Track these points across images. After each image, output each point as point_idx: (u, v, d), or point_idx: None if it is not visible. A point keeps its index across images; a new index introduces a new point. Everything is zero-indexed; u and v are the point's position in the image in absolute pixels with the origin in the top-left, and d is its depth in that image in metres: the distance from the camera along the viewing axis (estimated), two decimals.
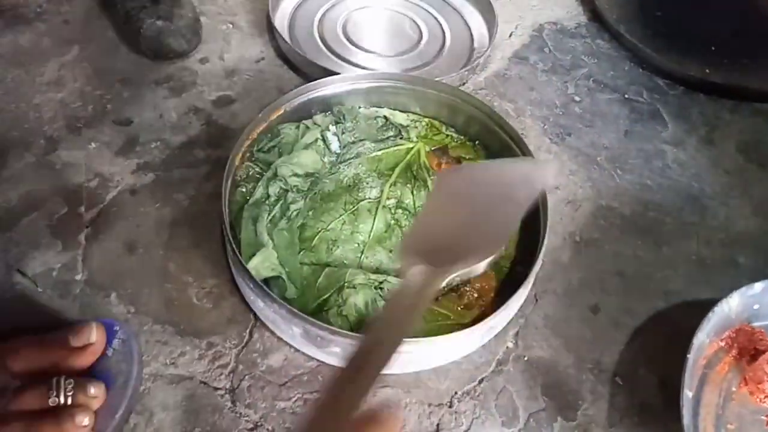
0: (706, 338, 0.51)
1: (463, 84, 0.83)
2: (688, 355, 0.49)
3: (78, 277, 0.61)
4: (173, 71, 0.80)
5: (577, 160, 0.77)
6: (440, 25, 0.91)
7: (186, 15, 0.76)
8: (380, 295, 0.55)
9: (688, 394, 0.48)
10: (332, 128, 0.69)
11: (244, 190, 0.63)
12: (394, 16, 0.91)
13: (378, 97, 0.73)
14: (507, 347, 0.59)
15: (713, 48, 0.91)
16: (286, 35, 0.85)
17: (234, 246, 0.54)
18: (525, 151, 0.65)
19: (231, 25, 0.88)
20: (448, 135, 0.72)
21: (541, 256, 0.56)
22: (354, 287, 0.54)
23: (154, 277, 0.62)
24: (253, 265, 0.55)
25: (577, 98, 0.84)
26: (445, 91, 0.70)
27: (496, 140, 0.69)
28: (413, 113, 0.74)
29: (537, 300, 0.63)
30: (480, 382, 0.57)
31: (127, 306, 0.59)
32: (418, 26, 0.90)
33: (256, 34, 0.87)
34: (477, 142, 0.71)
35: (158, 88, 0.78)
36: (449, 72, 0.80)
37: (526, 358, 0.58)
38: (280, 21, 0.87)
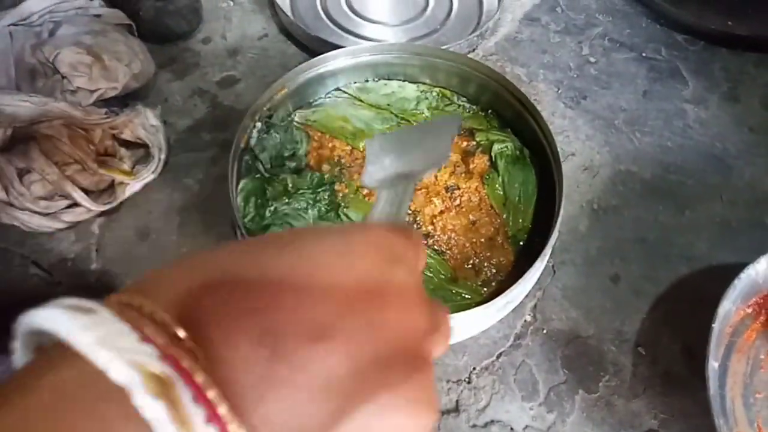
0: (732, 306, 0.50)
1: (473, 50, 0.80)
2: (713, 324, 0.47)
3: (93, 266, 0.61)
4: (176, 53, 0.79)
5: (593, 124, 0.74)
6: None
7: None
8: None
9: (713, 364, 0.46)
10: None
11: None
12: None
13: (386, 69, 0.70)
14: (525, 320, 0.58)
15: None
16: (288, 10, 0.82)
17: (243, 231, 0.54)
18: (538, 118, 0.63)
19: (231, 2, 0.85)
20: (460, 105, 0.70)
21: (557, 226, 0.55)
22: None
23: (166, 263, 0.61)
24: None
25: (592, 59, 0.81)
26: (454, 60, 0.68)
27: (508, 108, 0.66)
28: (423, 83, 0.71)
29: (555, 271, 0.61)
30: (498, 356, 0.56)
31: None
32: None
33: (257, 10, 0.85)
34: (489, 112, 0.69)
35: (161, 72, 0.76)
36: (458, 39, 0.78)
37: (545, 331, 0.57)
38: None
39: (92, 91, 0.63)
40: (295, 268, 0.18)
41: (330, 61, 0.68)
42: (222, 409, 0.15)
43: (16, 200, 0.58)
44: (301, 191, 0.59)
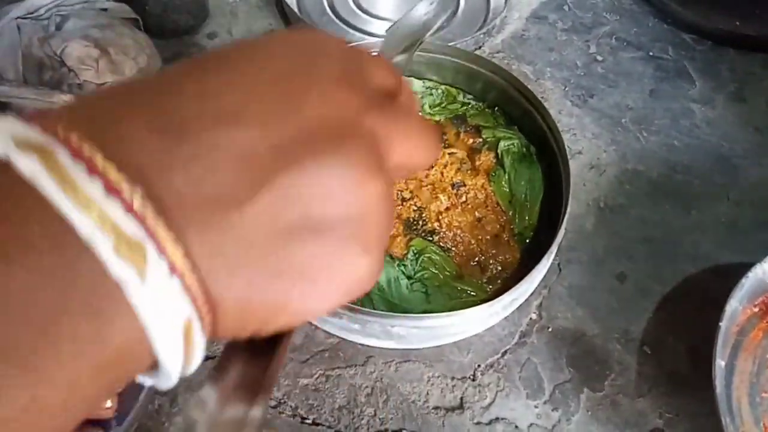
0: (738, 305, 0.49)
1: (479, 48, 0.80)
2: (720, 323, 0.47)
3: None
4: (181, 48, 0.79)
5: (600, 122, 0.74)
6: None
7: None
8: (403, 273, 0.54)
9: (720, 363, 0.46)
10: None
11: None
12: None
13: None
14: (531, 318, 0.58)
15: None
16: (294, 5, 0.82)
17: None
18: (545, 116, 0.63)
19: None
20: (465, 103, 0.70)
21: (564, 224, 0.55)
22: None
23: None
24: None
25: (599, 57, 0.81)
26: (460, 57, 0.68)
27: (515, 105, 0.66)
28: (429, 80, 0.71)
29: (561, 270, 0.61)
30: (503, 354, 0.56)
31: None
32: None
33: (263, 5, 0.85)
34: (496, 109, 0.69)
35: (167, 66, 0.76)
36: (464, 36, 0.77)
37: (550, 329, 0.57)
38: None
39: (99, 85, 0.63)
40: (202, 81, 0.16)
41: None
42: (117, 178, 0.13)
43: None
44: None
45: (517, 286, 0.51)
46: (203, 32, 0.81)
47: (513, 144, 0.63)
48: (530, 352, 0.56)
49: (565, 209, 0.54)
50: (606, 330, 0.57)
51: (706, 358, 0.50)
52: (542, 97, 0.75)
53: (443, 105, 0.70)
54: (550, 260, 0.56)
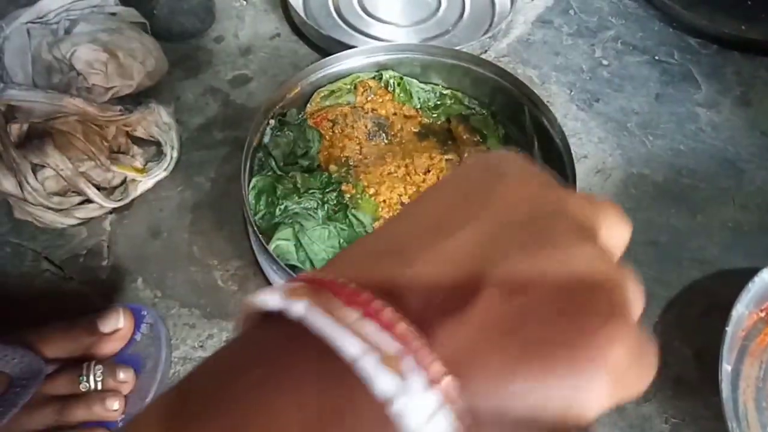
0: (745, 309, 0.49)
1: (485, 52, 0.80)
2: (726, 328, 0.47)
3: (104, 263, 0.62)
4: (188, 51, 0.79)
5: (606, 126, 0.74)
6: None
7: None
8: None
9: (726, 368, 0.46)
10: None
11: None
12: None
13: (399, 69, 0.70)
14: None
15: (749, 2, 0.86)
16: (300, 10, 0.82)
17: (256, 228, 0.54)
18: (551, 120, 0.63)
19: (245, 2, 0.86)
20: (470, 107, 0.70)
21: None
22: None
23: (179, 260, 0.62)
24: (275, 247, 0.54)
25: (604, 62, 0.81)
26: (465, 60, 0.68)
27: (521, 110, 0.66)
28: (432, 83, 0.71)
29: None
30: None
31: (154, 290, 0.60)
32: None
33: (270, 9, 0.85)
34: (498, 117, 0.68)
35: (174, 69, 0.76)
36: (470, 40, 0.78)
37: None
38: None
39: (108, 89, 0.63)
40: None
41: (343, 61, 0.68)
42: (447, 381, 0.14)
43: (30, 195, 0.59)
44: (311, 190, 0.59)
45: None
46: (210, 36, 0.81)
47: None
48: None
49: None
50: None
51: (712, 362, 0.50)
52: (548, 101, 0.76)
53: (447, 105, 0.70)
54: None
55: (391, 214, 0.59)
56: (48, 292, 0.60)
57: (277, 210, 0.58)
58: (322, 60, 0.66)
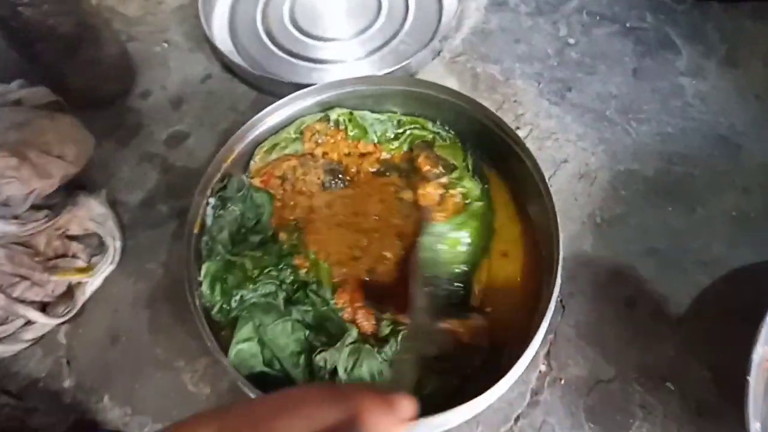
0: (765, 346, 0.44)
1: (437, 55, 0.72)
2: (748, 377, 0.41)
3: (66, 383, 0.56)
4: (115, 116, 0.71)
5: (583, 119, 0.67)
6: None
7: (109, 53, 0.66)
8: (384, 360, 0.49)
9: (756, 426, 0.41)
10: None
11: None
12: None
13: (352, 102, 0.63)
14: (540, 372, 0.53)
15: None
16: (227, 43, 0.74)
17: (214, 342, 0.48)
18: (515, 140, 0.56)
19: (166, 44, 0.77)
20: (435, 132, 0.62)
21: (558, 274, 0.49)
22: (357, 357, 0.48)
23: (144, 367, 0.56)
24: (237, 352, 0.49)
25: (571, 40, 0.73)
26: (415, 85, 0.61)
27: (486, 131, 0.59)
28: (390, 112, 0.63)
29: (564, 307, 0.56)
30: (516, 420, 0.51)
31: (123, 407, 0.55)
32: None
33: (195, 47, 0.77)
34: (465, 143, 0.61)
35: (105, 142, 0.69)
36: (420, 42, 0.70)
37: (562, 381, 0.52)
38: (219, 26, 0.76)
39: (27, 195, 0.56)
40: None
41: (281, 109, 0.61)
42: None
43: None
44: (267, 270, 0.53)
45: (525, 352, 0.45)
46: (135, 92, 0.73)
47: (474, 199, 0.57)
48: (545, 411, 0.51)
49: (558, 260, 0.48)
50: (622, 369, 0.52)
51: (732, 379, 0.45)
52: (515, 101, 0.68)
53: (408, 133, 0.62)
54: (551, 310, 0.51)
55: (345, 273, 0.54)
56: (11, 428, 0.55)
57: (233, 301, 0.52)
58: (257, 115, 0.59)
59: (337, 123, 0.62)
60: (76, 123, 0.64)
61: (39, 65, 0.65)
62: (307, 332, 0.51)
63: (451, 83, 0.70)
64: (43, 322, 0.56)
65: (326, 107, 0.62)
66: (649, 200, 0.61)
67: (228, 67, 0.73)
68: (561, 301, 0.56)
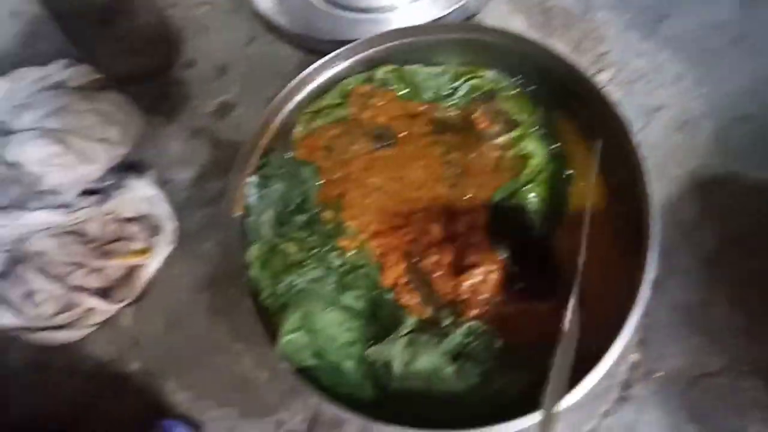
0: None
1: None
2: None
3: (133, 367, 0.56)
4: (161, 90, 0.68)
5: (681, 56, 0.55)
6: None
7: (139, 26, 0.62)
8: (446, 353, 0.44)
9: None
10: None
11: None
12: None
13: (400, 57, 0.55)
14: (631, 362, 0.46)
15: None
16: (272, 4, 0.68)
17: (258, 323, 0.45)
18: (602, 95, 0.46)
19: (209, 6, 0.72)
20: (496, 82, 0.54)
21: (653, 248, 0.40)
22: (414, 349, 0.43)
23: (205, 352, 0.55)
24: (286, 343, 0.45)
25: None
26: (473, 31, 0.52)
27: (559, 81, 0.50)
28: (445, 65, 0.56)
29: (661, 284, 0.47)
30: (603, 416, 0.45)
31: (186, 392, 0.54)
32: None
33: (238, 7, 0.71)
34: (536, 94, 0.52)
35: (152, 117, 0.66)
36: None
37: (658, 373, 0.45)
38: None
39: (74, 181, 0.55)
40: None
41: (323, 72, 0.54)
42: None
43: (32, 323, 0.54)
44: (313, 253, 0.49)
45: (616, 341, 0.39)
46: (180, 63, 0.70)
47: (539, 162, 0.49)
48: (637, 409, 0.44)
49: (649, 234, 0.40)
50: (733, 361, 0.44)
51: None
52: (595, 37, 0.58)
53: (467, 86, 0.54)
54: (646, 291, 0.43)
55: (385, 244, 0.49)
56: (81, 410, 0.56)
57: (282, 286, 0.49)
58: (292, 82, 0.53)
59: (384, 82, 0.55)
60: (120, 101, 0.61)
61: (76, 42, 0.63)
62: (361, 321, 0.47)
63: (518, 22, 0.60)
64: (104, 309, 0.55)
65: (372, 65, 0.55)
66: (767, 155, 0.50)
67: (271, 27, 0.68)
68: (657, 278, 0.47)
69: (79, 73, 0.61)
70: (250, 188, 0.52)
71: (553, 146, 0.51)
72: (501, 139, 0.51)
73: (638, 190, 0.43)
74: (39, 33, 0.71)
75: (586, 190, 0.47)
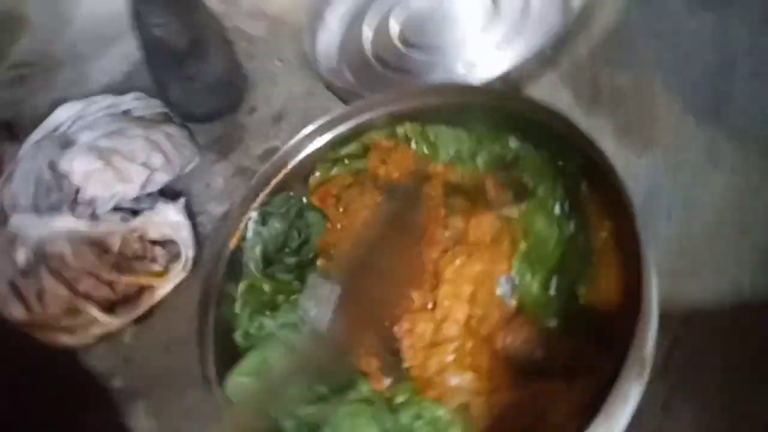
0: None
1: (551, 59, 0.59)
2: None
3: (115, 384, 0.57)
4: (221, 130, 0.73)
5: (740, 147, 0.47)
6: None
7: (213, 70, 0.68)
8: None
9: None
10: None
11: None
12: None
13: (426, 115, 0.54)
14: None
15: None
16: (332, 61, 0.72)
17: (209, 360, 0.44)
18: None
19: (279, 63, 0.78)
20: (518, 151, 0.50)
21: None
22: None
23: (189, 384, 0.53)
24: (231, 390, 0.43)
25: (742, 46, 0.54)
26: (503, 101, 0.49)
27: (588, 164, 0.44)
28: (470, 128, 0.53)
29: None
30: None
31: (151, 420, 0.54)
32: None
33: (305, 64, 0.76)
34: (561, 168, 0.47)
35: (206, 153, 0.71)
36: (529, 47, 0.58)
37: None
38: (325, 44, 0.74)
39: (110, 197, 0.60)
40: None
41: (346, 122, 0.55)
42: None
43: (38, 318, 0.57)
44: (293, 298, 0.47)
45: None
46: (245, 107, 0.75)
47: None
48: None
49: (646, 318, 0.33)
50: None
51: None
52: (646, 117, 0.52)
53: (482, 149, 0.51)
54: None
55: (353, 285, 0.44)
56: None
57: (254, 326, 0.47)
58: (313, 126, 0.54)
59: (406, 138, 0.54)
60: (174, 134, 0.67)
61: (158, 80, 0.70)
62: (315, 375, 0.43)
63: (564, 96, 0.57)
64: (105, 321, 0.58)
65: (397, 119, 0.54)
66: None
67: (328, 84, 0.71)
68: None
69: (146, 105, 0.68)
70: (250, 223, 0.53)
71: (570, 225, 0.45)
72: (508, 210, 0.47)
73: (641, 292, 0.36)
74: (136, 72, 0.80)
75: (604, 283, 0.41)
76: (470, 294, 0.44)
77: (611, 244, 0.42)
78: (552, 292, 0.42)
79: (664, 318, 0.37)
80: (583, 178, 0.45)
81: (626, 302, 0.39)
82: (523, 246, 0.43)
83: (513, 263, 0.43)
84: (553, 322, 0.41)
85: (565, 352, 0.40)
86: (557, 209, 0.45)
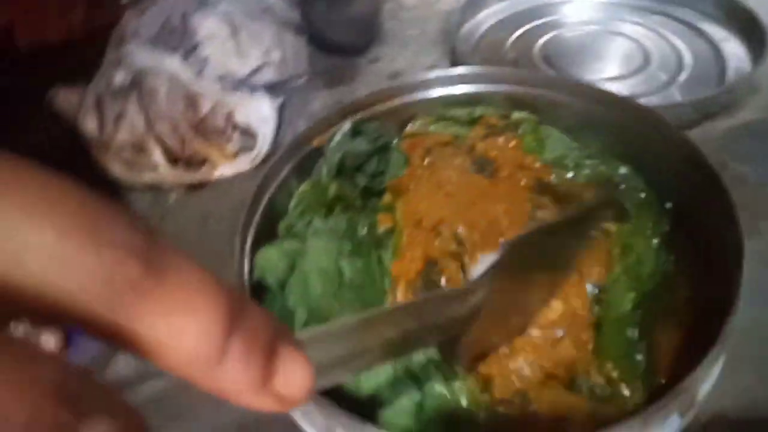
0: None
1: (688, 126, 0.57)
2: None
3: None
4: (337, 64, 0.74)
5: None
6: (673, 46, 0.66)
7: (359, 9, 0.70)
8: None
9: None
10: None
11: None
12: (606, 36, 0.70)
13: (547, 113, 0.53)
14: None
15: None
16: (470, 46, 0.72)
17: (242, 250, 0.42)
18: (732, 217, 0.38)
19: (419, 32, 0.79)
20: (627, 180, 0.48)
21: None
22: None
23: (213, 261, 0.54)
24: (258, 262, 0.42)
25: None
26: (648, 122, 0.47)
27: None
28: (585, 142, 0.52)
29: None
30: None
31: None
32: (642, 47, 0.67)
33: (439, 41, 0.76)
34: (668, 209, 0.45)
35: (314, 78, 0.72)
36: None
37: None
38: (468, 32, 0.75)
39: (221, 65, 0.61)
40: None
41: (468, 83, 0.54)
42: None
43: (106, 139, 0.58)
44: (348, 206, 0.46)
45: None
46: (368, 56, 0.76)
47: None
48: None
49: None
50: None
51: None
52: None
53: (593, 169, 0.49)
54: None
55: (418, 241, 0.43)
56: None
57: (301, 223, 0.46)
58: (436, 73, 0.53)
59: (516, 125, 0.53)
60: (299, 45, 0.68)
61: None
62: (348, 290, 0.41)
63: None
64: (162, 168, 0.58)
65: (516, 103, 0.53)
66: None
67: (454, 64, 0.71)
68: None
69: (285, 11, 0.69)
70: (340, 132, 0.52)
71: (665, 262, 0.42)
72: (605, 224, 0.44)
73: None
74: None
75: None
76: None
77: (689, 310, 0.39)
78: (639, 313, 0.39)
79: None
80: (684, 222, 0.43)
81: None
82: (621, 260, 0.41)
83: (606, 274, 0.40)
84: None
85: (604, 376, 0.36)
86: (655, 242, 0.42)
